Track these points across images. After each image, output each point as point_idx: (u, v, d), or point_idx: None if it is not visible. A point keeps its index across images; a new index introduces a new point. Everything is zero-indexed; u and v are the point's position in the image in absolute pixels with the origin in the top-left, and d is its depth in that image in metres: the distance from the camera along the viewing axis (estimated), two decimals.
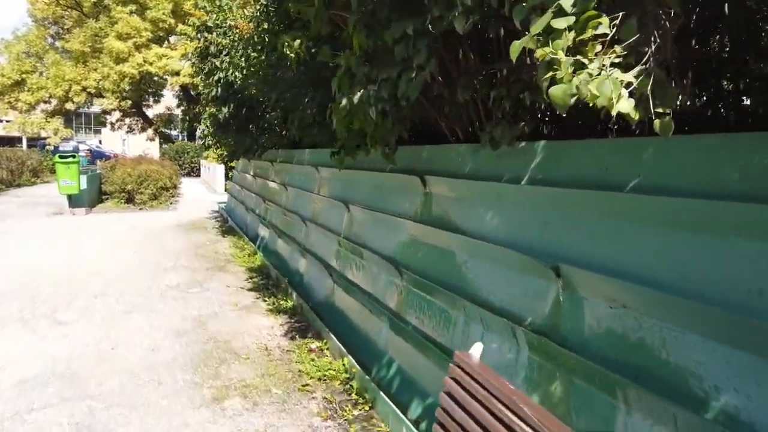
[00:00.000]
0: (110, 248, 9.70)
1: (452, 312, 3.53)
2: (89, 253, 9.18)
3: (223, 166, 21.62)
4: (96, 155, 44.10)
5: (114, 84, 31.37)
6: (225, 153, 11.35)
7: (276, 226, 8.78)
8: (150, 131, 41.39)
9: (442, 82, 3.52)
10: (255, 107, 9.09)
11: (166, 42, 33.61)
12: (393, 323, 4.16)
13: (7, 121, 32.95)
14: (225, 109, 9.02)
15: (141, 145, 69.62)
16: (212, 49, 8.97)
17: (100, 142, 58.33)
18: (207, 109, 12.47)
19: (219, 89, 8.82)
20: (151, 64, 31.01)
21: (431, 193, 4.14)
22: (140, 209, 15.54)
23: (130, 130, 43.56)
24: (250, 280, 7.52)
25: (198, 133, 11.93)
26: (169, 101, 44.12)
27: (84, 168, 16.81)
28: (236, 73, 7.95)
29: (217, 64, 8.62)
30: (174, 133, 42.61)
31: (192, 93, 39.57)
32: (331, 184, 6.77)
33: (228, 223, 13.06)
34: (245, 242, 10.27)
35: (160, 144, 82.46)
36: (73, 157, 14.26)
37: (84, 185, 14.77)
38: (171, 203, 16.63)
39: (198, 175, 30.63)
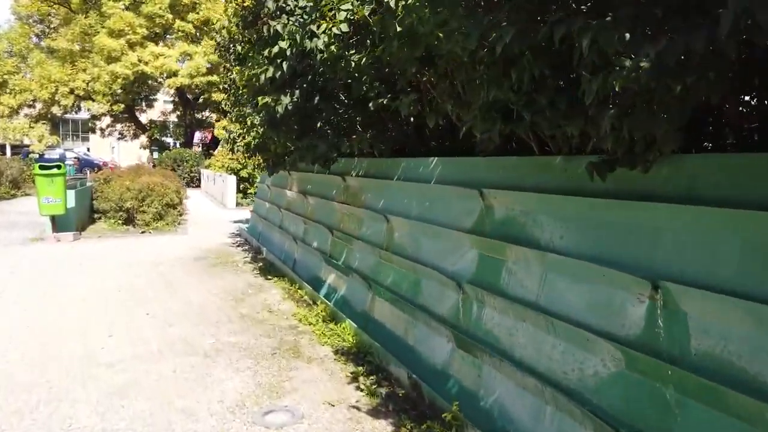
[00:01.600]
0: (107, 307, 6.41)
1: None
2: (73, 321, 5.87)
3: (234, 178, 18.31)
4: (84, 164, 40.48)
5: (105, 85, 27.90)
6: (269, 161, 8.15)
7: (377, 281, 5.55)
8: (143, 138, 37.88)
9: None
10: (335, 94, 5.92)
11: (162, 40, 30.21)
12: None
13: None
14: (285, 99, 5.85)
15: (132, 153, 66.00)
16: (270, 4, 5.78)
17: (88, 149, 54.22)
18: (237, 103, 9.26)
19: (280, 68, 5.63)
20: (146, 63, 27.61)
21: None
22: (142, 232, 12.20)
23: (122, 136, 40.02)
24: (359, 385, 4.29)
25: (226, 135, 8.50)
26: (160, 107, 40.65)
27: (71, 178, 13.42)
28: (319, 39, 4.83)
29: (279, 28, 5.45)
30: (170, 140, 39.10)
31: (189, 96, 36.21)
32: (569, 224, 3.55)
33: (262, 255, 9.81)
34: (303, 290, 7.05)
35: (150, 152, 78.96)
36: (59, 167, 10.93)
37: (72, 203, 11.44)
38: (179, 224, 13.31)
39: (198, 186, 27.22)
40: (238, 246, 11.03)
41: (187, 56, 28.54)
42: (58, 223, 11.09)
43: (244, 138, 8.91)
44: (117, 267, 8.58)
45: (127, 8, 28.38)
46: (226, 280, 7.88)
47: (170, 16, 28.26)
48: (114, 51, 26.91)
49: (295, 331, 5.62)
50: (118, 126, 38.91)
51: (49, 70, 28.32)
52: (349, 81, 5.36)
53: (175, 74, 28.39)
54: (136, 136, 39.69)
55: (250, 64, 6.33)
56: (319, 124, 6.40)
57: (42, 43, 31.59)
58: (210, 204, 19.57)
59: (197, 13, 28.67)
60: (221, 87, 11.90)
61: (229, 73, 10.22)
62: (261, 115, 6.47)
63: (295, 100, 5.93)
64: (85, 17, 29.10)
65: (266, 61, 6.14)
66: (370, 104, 5.01)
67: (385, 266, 5.43)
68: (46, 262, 8.77)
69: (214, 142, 36.63)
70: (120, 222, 12.45)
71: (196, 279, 7.88)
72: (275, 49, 5.63)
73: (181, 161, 27.98)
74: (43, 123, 30.66)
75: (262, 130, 6.56)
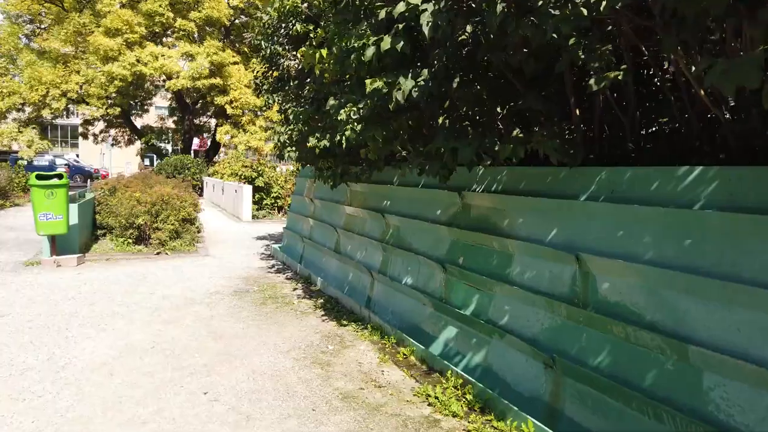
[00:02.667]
0: (144, 383, 4.42)
1: None
2: (98, 417, 3.90)
3: (250, 188, 16.28)
4: (75, 171, 38.11)
5: (101, 87, 25.72)
6: (331, 169, 6.21)
7: (570, 355, 3.60)
8: (139, 144, 35.65)
9: None
10: (494, 74, 4.02)
11: (162, 40, 28.10)
12: None
13: None
14: (407, 82, 3.93)
15: (123, 159, 63.52)
16: None
17: (78, 156, 51.58)
18: (291, 98, 7.34)
19: (400, 36, 3.75)
20: (145, 64, 25.47)
21: None
22: (158, 253, 10.15)
23: (116, 142, 37.75)
24: None
25: (277, 138, 6.46)
26: (155, 112, 38.38)
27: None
28: None
29: None
30: (168, 146, 36.89)
31: (187, 101, 34.00)
32: None
33: (315, 286, 7.85)
34: (405, 347, 5.12)
35: (142, 158, 76.39)
36: (60, 177, 8.86)
37: (74, 219, 9.39)
38: (198, 242, 11.28)
39: (200, 195, 25.07)
40: (278, 272, 9.04)
41: (189, 57, 26.47)
42: (59, 244, 9.03)
43: (291, 139, 6.99)
44: (141, 307, 6.57)
45: (123, 6, 26.26)
46: (289, 328, 5.90)
47: (171, 15, 26.19)
48: (111, 51, 24.75)
49: (438, 428, 3.67)
50: (112, 131, 36.63)
51: (40, 71, 26.07)
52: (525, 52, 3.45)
53: (176, 76, 26.30)
54: (131, 142, 37.45)
55: (341, 39, 4.42)
56: (443, 120, 4.50)
57: (32, 44, 29.29)
58: (221, 216, 17.50)
59: (199, 11, 26.63)
60: (253, 83, 9.94)
61: (270, 65, 8.29)
62: (359, 106, 4.52)
63: (422, 82, 4.01)
64: (79, 16, 26.93)
65: (373, 30, 4.26)
66: (592, 82, 3.09)
67: (587, 333, 3.51)
68: (46, 301, 6.72)
69: (213, 148, 34.54)
70: (130, 241, 10.38)
71: (251, 327, 5.89)
72: (399, 7, 3.75)
73: (182, 168, 25.81)
74: (33, 127, 28.31)
75: (350, 129, 4.59)
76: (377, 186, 6.91)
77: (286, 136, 7.23)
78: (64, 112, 30.99)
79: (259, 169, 17.19)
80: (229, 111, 27.32)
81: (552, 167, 3.95)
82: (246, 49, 30.17)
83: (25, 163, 27.82)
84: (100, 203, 11.66)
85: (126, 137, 37.09)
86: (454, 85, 4.08)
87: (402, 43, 3.98)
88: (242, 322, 6.07)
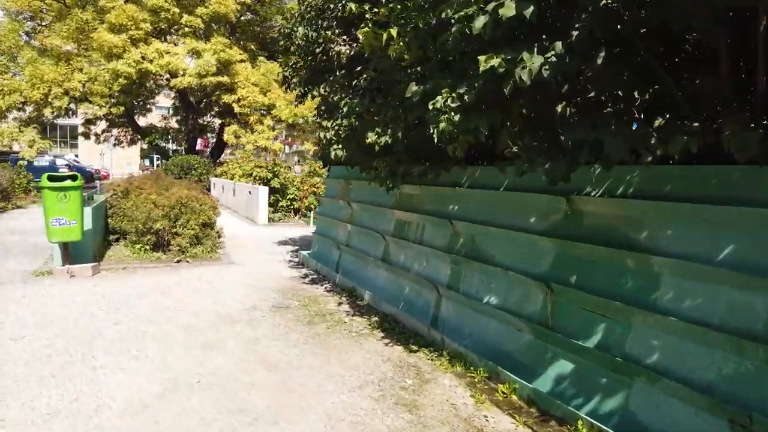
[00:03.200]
0: None
1: None
2: None
3: (266, 189, 15.37)
4: (75, 172, 37.11)
5: (104, 85, 24.79)
6: (389, 170, 5.39)
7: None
8: (141, 145, 34.75)
9: None
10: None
11: (167, 37, 27.18)
12: None
13: None
14: (534, 59, 3.07)
15: (122, 160, 62.53)
16: None
17: (77, 156, 50.51)
18: (344, 88, 6.49)
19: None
20: (150, 61, 24.55)
21: None
22: (178, 261, 9.26)
23: (118, 142, 36.77)
24: None
25: (322, 135, 5.56)
26: (157, 112, 37.39)
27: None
28: None
29: None
30: (172, 146, 35.96)
31: (191, 100, 33.05)
32: None
33: (363, 300, 6.99)
34: (502, 382, 4.28)
35: (141, 158, 75.56)
36: (74, 179, 7.97)
37: (88, 224, 8.51)
38: (219, 248, 10.40)
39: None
40: (314, 282, 8.17)
41: (195, 54, 25.55)
42: (71, 251, 8.14)
43: (339, 136, 6.15)
44: (173, 326, 5.69)
45: (128, 1, 25.31)
46: (351, 354, 5.03)
47: (176, 10, 25.24)
48: (116, 47, 23.83)
49: None
50: (115, 131, 35.68)
51: (42, 69, 25.11)
52: None
53: (182, 73, 25.39)
54: (133, 142, 36.51)
55: (423, 13, 3.58)
56: (564, 107, 3.65)
57: (33, 41, 28.30)
58: (234, 219, 16.60)
59: (206, 6, 25.70)
60: (281, 76, 9.09)
61: (306, 54, 7.43)
62: (460, 91, 3.66)
63: (553, 58, 3.16)
64: (82, 12, 25.98)
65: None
66: None
67: None
68: (63, 319, 5.83)
69: (218, 148, 33.59)
70: (147, 248, 9.49)
71: (306, 354, 5.02)
72: None
73: (188, 169, 24.86)
74: (34, 127, 27.36)
75: (446, 119, 3.72)
76: (439, 188, 6.06)
77: (332, 133, 6.37)
78: (66, 112, 30.01)
79: (275, 169, 16.30)
80: (237, 110, 26.40)
81: (730, 165, 3.10)
82: (253, 47, 29.30)
83: (26, 163, 26.85)
84: (113, 206, 10.76)
85: (129, 137, 36.14)
86: (599, 61, 3.22)
87: (532, 8, 3.12)
88: (294, 346, 5.20)
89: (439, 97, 3.78)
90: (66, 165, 37.89)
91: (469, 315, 5.14)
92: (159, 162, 33.78)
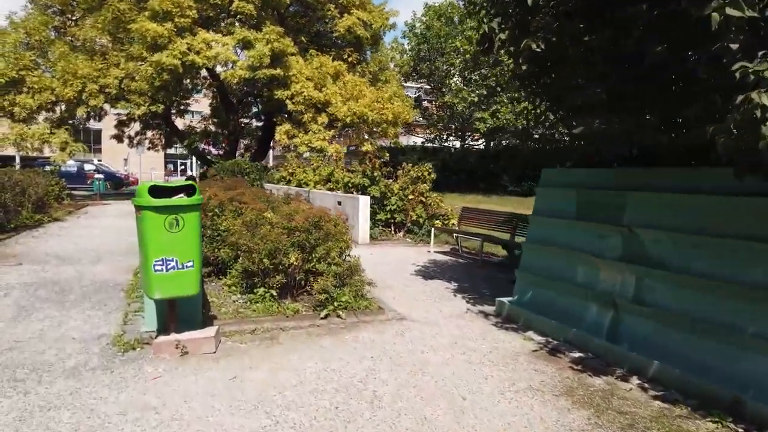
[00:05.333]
0: None
1: None
2: None
3: (367, 199, 12.10)
4: (106, 177, 34.23)
5: (146, 81, 21.73)
6: None
7: None
8: (180, 147, 31.79)
9: None
10: None
11: (214, 25, 24.10)
12: None
13: None
14: None
15: (147, 165, 59.75)
16: None
17: (100, 161, 47.60)
18: None
19: None
20: (197, 53, 21.44)
21: None
22: (324, 316, 5.98)
23: (153, 146, 33.82)
24: None
25: None
26: (190, 115, 34.33)
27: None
28: None
29: None
30: (212, 150, 32.88)
31: (232, 99, 29.95)
32: None
33: (710, 411, 3.72)
34: None
35: (165, 164, 72.93)
36: (190, 191, 4.74)
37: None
38: (366, 289, 7.13)
39: None
40: (573, 361, 4.90)
41: (246, 44, 22.40)
42: (181, 315, 4.93)
43: None
44: None
45: None
46: None
47: None
48: (160, 37, 20.75)
49: None
50: (149, 133, 32.74)
51: (76, 63, 22.12)
52: None
53: (231, 65, 22.32)
54: (168, 145, 33.56)
55: None
56: None
57: (65, 36, 25.30)
58: None
59: None
60: (477, 36, 5.88)
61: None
62: None
63: None
64: (119, 1, 22.98)
65: None
66: None
67: None
68: None
69: (261, 151, 30.46)
70: (273, 293, 6.25)
71: None
72: None
73: (240, 173, 21.69)
74: (66, 128, 24.40)
75: None
76: None
77: None
78: (98, 112, 27.05)
79: (374, 175, 13.05)
80: (290, 107, 23.25)
81: None
82: (303, 38, 26.16)
83: (59, 168, 23.92)
84: (205, 226, 7.58)
85: (163, 140, 33.19)
86: None
87: None
88: None
89: None
90: (94, 170, 35.03)
91: None
92: (203, 167, 30.65)
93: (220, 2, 21.98)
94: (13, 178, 13.42)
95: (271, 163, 34.78)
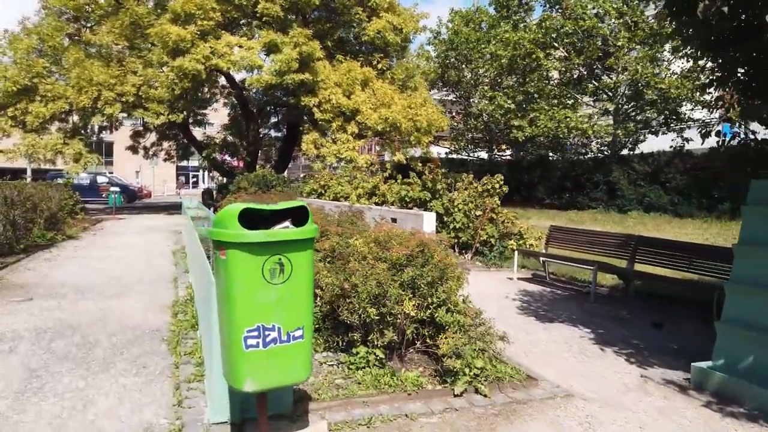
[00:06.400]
0: None
1: None
2: None
3: (433, 215, 10.27)
4: (120, 190, 32.59)
5: (166, 87, 20.16)
6: None
7: None
8: (198, 159, 30.23)
9: None
10: None
11: (238, 29, 22.58)
12: None
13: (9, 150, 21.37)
14: None
15: (159, 176, 58.18)
16: None
17: (111, 173, 45.91)
18: None
19: None
20: (221, 57, 19.88)
21: None
22: (459, 394, 4.20)
23: (169, 157, 32.28)
24: None
25: None
26: (206, 125, 32.81)
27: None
28: None
29: None
30: (233, 162, 31.28)
31: (252, 109, 28.40)
32: None
33: None
34: None
35: (177, 176, 71.29)
36: (301, 219, 3.00)
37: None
38: (500, 346, 5.29)
39: None
40: None
41: (272, 48, 20.79)
42: (273, 396, 3.14)
43: None
44: None
45: None
46: None
47: None
48: (183, 41, 19.19)
49: None
50: (165, 144, 31.22)
51: (91, 70, 20.58)
52: None
53: (257, 70, 20.77)
54: (184, 156, 32.01)
55: None
56: None
57: (80, 43, 23.79)
58: None
59: None
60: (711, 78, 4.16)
61: None
62: None
63: None
64: (137, 4, 21.53)
65: None
66: None
67: None
68: None
69: (282, 162, 28.83)
70: (380, 355, 4.46)
71: None
72: None
73: (266, 186, 20.01)
74: (80, 138, 22.85)
75: None
76: None
77: None
78: (113, 122, 25.55)
79: (436, 187, 11.28)
80: (318, 115, 21.59)
81: None
82: (329, 43, 24.55)
83: (73, 180, 22.34)
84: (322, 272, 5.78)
85: (180, 151, 31.65)
86: None
87: None
88: None
89: None
90: (107, 182, 33.35)
91: None
92: (222, 179, 29.02)
93: (245, 2, 20.43)
94: (24, 192, 11.77)
95: (285, 174, 33.23)
